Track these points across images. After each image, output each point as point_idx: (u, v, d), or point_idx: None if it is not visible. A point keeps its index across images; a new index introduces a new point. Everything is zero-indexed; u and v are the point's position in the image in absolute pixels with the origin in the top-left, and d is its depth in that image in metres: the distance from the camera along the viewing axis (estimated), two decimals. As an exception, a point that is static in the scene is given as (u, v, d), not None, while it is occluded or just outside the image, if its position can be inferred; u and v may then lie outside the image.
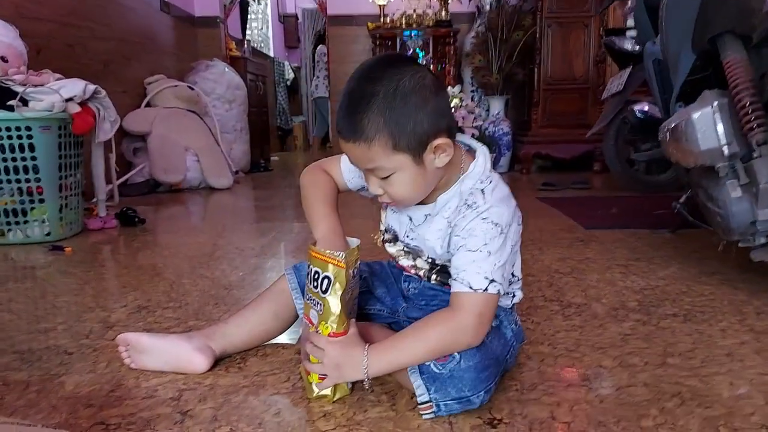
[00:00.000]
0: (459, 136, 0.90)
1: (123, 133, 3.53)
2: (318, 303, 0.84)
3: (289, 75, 8.45)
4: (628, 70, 2.95)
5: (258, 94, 5.55)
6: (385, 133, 0.76)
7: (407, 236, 0.95)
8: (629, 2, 3.91)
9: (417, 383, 0.81)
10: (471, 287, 0.80)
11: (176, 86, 3.92)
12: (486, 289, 0.80)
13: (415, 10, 4.37)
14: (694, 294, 1.36)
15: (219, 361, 1.02)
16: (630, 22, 3.87)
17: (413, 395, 0.87)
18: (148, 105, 3.82)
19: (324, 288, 0.83)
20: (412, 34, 4.44)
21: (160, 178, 3.54)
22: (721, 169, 1.31)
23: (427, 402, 0.80)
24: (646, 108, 2.88)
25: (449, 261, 0.89)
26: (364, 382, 0.83)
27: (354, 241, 0.89)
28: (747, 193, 1.26)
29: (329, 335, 0.83)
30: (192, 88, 4.03)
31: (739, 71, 1.26)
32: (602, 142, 3.67)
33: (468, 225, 0.82)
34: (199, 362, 0.98)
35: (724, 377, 0.93)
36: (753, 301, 1.30)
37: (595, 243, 1.94)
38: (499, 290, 0.81)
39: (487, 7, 4.30)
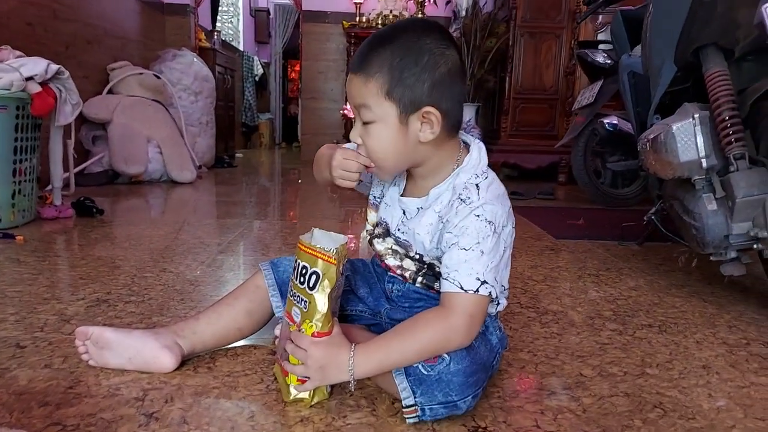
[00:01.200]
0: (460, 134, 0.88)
1: (82, 120, 3.37)
2: (303, 300, 0.79)
3: (258, 71, 8.30)
4: (599, 83, 3.00)
5: (225, 87, 5.43)
6: (385, 74, 0.77)
7: (398, 229, 0.92)
8: (600, 17, 4.02)
9: (402, 385, 0.77)
10: (462, 288, 0.78)
11: (141, 74, 3.78)
12: (477, 291, 0.78)
13: (391, 11, 4.35)
14: (666, 305, 1.38)
15: (186, 361, 0.96)
16: (601, 36, 3.98)
17: (394, 400, 0.84)
18: (110, 92, 3.67)
19: (312, 284, 0.78)
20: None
21: (120, 168, 3.40)
22: (698, 182, 1.32)
23: (412, 405, 0.77)
24: (615, 121, 2.94)
25: (437, 259, 0.87)
26: (349, 385, 0.79)
27: (342, 238, 0.84)
28: (722, 207, 1.28)
29: (313, 335, 0.78)
30: (158, 77, 3.89)
31: (721, 85, 1.28)
32: (569, 154, 3.74)
33: (461, 222, 0.80)
34: (166, 360, 0.92)
35: (702, 389, 0.93)
36: (723, 314, 1.32)
37: (565, 252, 1.95)
38: (490, 292, 0.79)
39: (463, 13, 4.33)
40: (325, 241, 0.84)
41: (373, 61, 0.77)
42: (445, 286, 0.80)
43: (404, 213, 0.91)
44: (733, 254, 1.33)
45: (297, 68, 9.51)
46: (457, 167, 0.85)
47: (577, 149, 3.12)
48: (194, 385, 0.88)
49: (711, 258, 1.37)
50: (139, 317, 1.18)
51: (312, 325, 0.78)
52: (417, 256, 0.90)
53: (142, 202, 2.95)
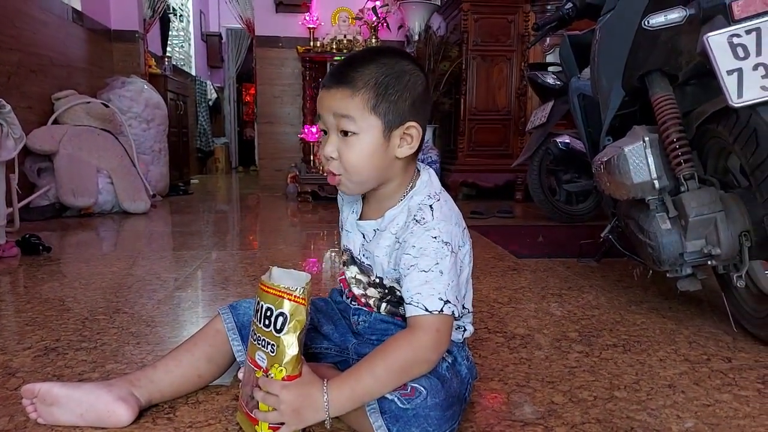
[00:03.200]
0: None
1: (26, 152, 3.23)
2: (269, 343, 0.75)
3: (212, 95, 8.20)
4: (550, 104, 3.08)
5: (178, 113, 5.32)
6: (372, 90, 0.80)
7: (361, 254, 0.92)
8: (547, 40, 4.15)
9: (377, 424, 0.75)
10: (427, 309, 0.79)
11: (89, 103, 3.66)
12: (441, 311, 0.78)
13: (345, 35, 4.37)
14: (628, 323, 1.40)
15: (144, 412, 0.91)
16: (549, 58, 4.11)
17: (366, 443, 0.81)
18: (55, 122, 3.53)
19: (279, 326, 0.74)
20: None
21: (69, 201, 3.26)
22: (651, 201, 1.36)
23: None
24: (567, 140, 3.02)
25: (396, 281, 0.87)
26: (325, 422, 0.76)
27: (304, 276, 0.82)
28: (675, 226, 1.32)
29: (283, 379, 0.74)
30: (107, 106, 3.78)
31: (667, 108, 1.33)
32: (525, 172, 3.82)
33: (418, 243, 0.81)
34: (122, 413, 0.87)
35: (670, 410, 0.94)
36: (682, 330, 1.35)
37: (527, 271, 1.97)
38: (453, 311, 0.80)
39: (416, 37, 4.39)
40: (286, 279, 0.81)
41: (358, 76, 0.80)
42: (410, 311, 0.80)
43: (364, 237, 0.92)
44: (688, 270, 1.36)
45: (252, 91, 9.45)
46: (410, 190, 0.88)
47: (533, 168, 3.19)
48: (154, 439, 0.83)
49: (667, 275, 1.41)
50: (91, 366, 1.11)
51: (281, 369, 0.74)
52: (377, 280, 0.90)
53: (92, 236, 2.83)
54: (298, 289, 0.74)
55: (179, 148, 5.24)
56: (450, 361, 0.87)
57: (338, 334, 0.98)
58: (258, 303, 0.78)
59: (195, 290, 1.74)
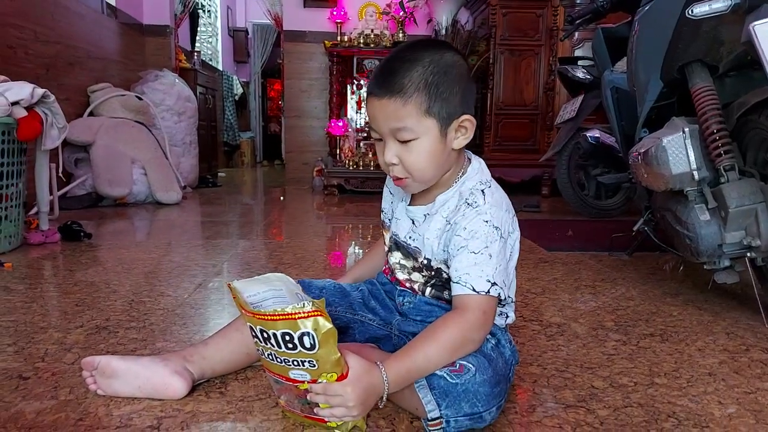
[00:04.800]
0: None
1: (63, 143, 3.31)
2: (305, 361, 0.72)
3: (238, 90, 8.29)
4: (580, 98, 3.07)
5: (207, 107, 5.41)
6: (423, 93, 0.80)
7: (409, 237, 0.94)
8: (576, 34, 4.11)
9: (427, 398, 0.78)
10: (474, 289, 0.81)
11: (124, 96, 3.75)
12: (488, 292, 0.81)
13: (372, 30, 4.39)
14: (664, 314, 1.40)
15: (197, 386, 0.95)
16: (578, 52, 4.08)
17: (413, 419, 0.84)
18: (91, 114, 3.63)
19: (309, 346, 0.70)
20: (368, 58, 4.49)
21: (105, 191, 3.35)
22: (690, 193, 1.36)
23: (437, 419, 0.77)
24: (597, 134, 3.00)
25: (444, 263, 0.89)
26: (380, 402, 0.78)
27: (273, 277, 0.79)
28: (715, 217, 1.32)
29: (337, 380, 0.73)
30: (140, 98, 3.86)
31: (708, 99, 1.32)
32: (552, 167, 3.80)
33: (470, 225, 0.83)
34: (178, 387, 0.91)
35: (711, 397, 0.95)
36: (719, 321, 1.35)
37: (559, 264, 1.98)
38: (499, 293, 0.82)
39: (443, 32, 4.39)
40: (259, 288, 0.77)
41: (405, 83, 0.80)
42: (457, 290, 0.83)
43: (413, 222, 0.95)
44: (726, 263, 1.36)
45: (276, 87, 9.53)
46: (462, 176, 0.90)
47: (561, 162, 3.17)
48: (209, 411, 0.87)
49: (705, 267, 1.41)
50: (142, 343, 1.16)
51: (331, 375, 0.73)
52: (425, 262, 0.92)
53: (128, 225, 2.91)
54: (305, 305, 0.69)
55: (208, 142, 5.33)
56: (494, 342, 0.89)
57: (384, 311, 1.01)
58: (261, 331, 0.73)
59: (233, 276, 1.78)
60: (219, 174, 5.88)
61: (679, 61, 1.39)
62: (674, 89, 1.53)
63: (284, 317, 0.69)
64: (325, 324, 0.70)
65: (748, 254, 1.30)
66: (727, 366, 1.08)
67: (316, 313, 0.69)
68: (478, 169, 0.91)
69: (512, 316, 0.98)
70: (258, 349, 0.77)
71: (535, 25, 4.15)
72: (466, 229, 0.83)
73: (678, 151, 1.33)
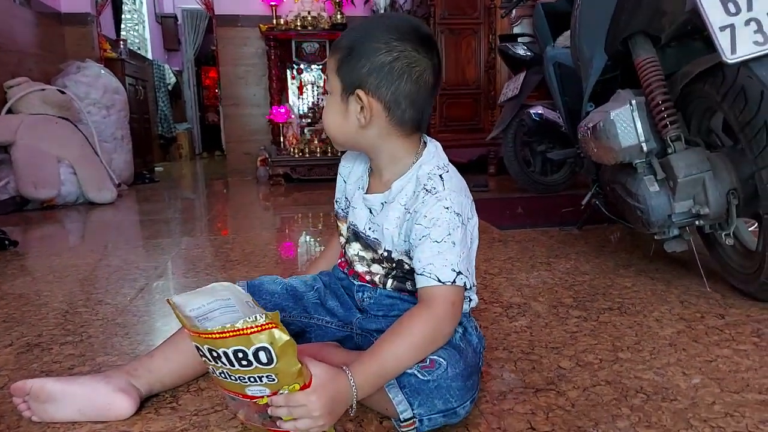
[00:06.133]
0: None
1: (-20, 143, 3.06)
2: (264, 377, 0.66)
3: (171, 79, 7.92)
4: (522, 75, 3.09)
5: (138, 99, 5.13)
6: (341, 52, 0.82)
7: (368, 227, 0.89)
8: (514, 11, 4.14)
9: (398, 399, 0.73)
10: (440, 280, 0.78)
11: (44, 90, 3.48)
12: (454, 281, 0.78)
13: (309, 12, 4.26)
14: (619, 287, 1.42)
15: (145, 403, 0.87)
16: (516, 29, 4.10)
17: (382, 418, 0.80)
18: (9, 111, 3.35)
19: (265, 361, 0.64)
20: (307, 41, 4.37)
21: (30, 193, 3.11)
22: (639, 165, 1.37)
23: (409, 419, 0.73)
24: (541, 111, 3.03)
25: (406, 254, 0.85)
26: (350, 410, 0.72)
27: (219, 287, 0.72)
28: (663, 188, 1.33)
29: (301, 388, 0.67)
30: (63, 92, 3.60)
31: (652, 71, 1.33)
32: (497, 146, 3.83)
33: (430, 213, 0.80)
34: (123, 405, 0.83)
35: (675, 368, 0.95)
36: (672, 290, 1.37)
37: (512, 243, 1.98)
38: (465, 282, 0.79)
39: (381, 11, 4.32)
40: (202, 300, 0.70)
41: (340, 39, 0.84)
42: (422, 281, 0.79)
43: (370, 211, 0.90)
44: (675, 232, 1.38)
45: (211, 74, 9.19)
46: (417, 160, 0.86)
47: (507, 140, 3.19)
48: (160, 430, 0.80)
49: (655, 237, 1.43)
50: (80, 359, 1.06)
51: (294, 385, 0.66)
52: (385, 254, 0.88)
53: (58, 229, 2.72)
54: (257, 318, 0.62)
55: (142, 135, 5.06)
56: (461, 331, 0.86)
57: (343, 309, 0.96)
58: (210, 350, 0.65)
59: (178, 277, 1.68)
60: (156, 168, 5.61)
61: (622, 33, 1.39)
62: (617, 62, 1.54)
63: (235, 333, 0.62)
64: (282, 336, 0.63)
65: (697, 222, 1.32)
66: (685, 335, 1.09)
67: (270, 325, 0.62)
68: (434, 153, 0.87)
69: (475, 299, 0.95)
70: (208, 368, 0.70)
71: (473, 3, 4.14)
72: (426, 217, 0.79)
73: (626, 123, 1.33)
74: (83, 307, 1.38)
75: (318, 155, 4.22)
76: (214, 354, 0.65)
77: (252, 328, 0.62)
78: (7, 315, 1.34)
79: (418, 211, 0.81)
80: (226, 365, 0.65)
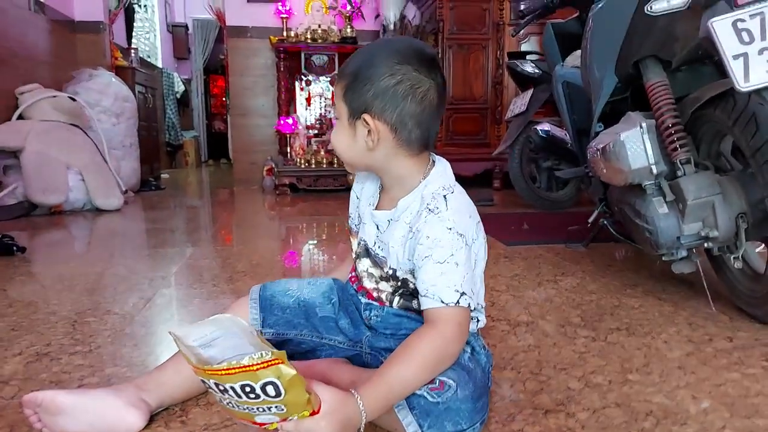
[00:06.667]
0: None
1: (-10, 149, 3.09)
2: (272, 407, 0.66)
3: (179, 87, 7.99)
4: (529, 92, 3.10)
5: (147, 107, 5.17)
6: (346, 78, 0.84)
7: (376, 245, 0.91)
8: (522, 30, 4.16)
9: (407, 420, 0.74)
10: (443, 302, 0.78)
11: (55, 97, 3.52)
12: (458, 302, 0.78)
13: (320, 25, 4.30)
14: (627, 307, 1.42)
15: (155, 416, 0.87)
16: (524, 47, 4.13)
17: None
18: (20, 117, 3.39)
19: (274, 394, 0.64)
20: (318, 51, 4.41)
21: (38, 199, 3.13)
22: (648, 187, 1.37)
23: None
24: (548, 128, 3.04)
25: (411, 273, 0.86)
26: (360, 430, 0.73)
27: (223, 319, 0.69)
28: (672, 210, 1.34)
29: (311, 415, 0.67)
30: (74, 99, 3.64)
31: (662, 94, 1.34)
32: (503, 161, 3.84)
33: (432, 233, 0.80)
34: (133, 419, 0.83)
35: (685, 391, 0.95)
36: (680, 311, 1.37)
37: (519, 259, 1.98)
38: (469, 304, 0.80)
39: (391, 26, 4.36)
40: (206, 330, 0.68)
41: (345, 66, 0.86)
42: (426, 303, 0.80)
43: (378, 228, 0.91)
44: (683, 253, 1.38)
45: (219, 83, 9.26)
46: (424, 179, 0.87)
47: (514, 156, 3.20)
48: (170, 444, 0.80)
49: (663, 258, 1.43)
50: (89, 370, 1.06)
51: (304, 412, 0.66)
52: (391, 272, 0.88)
53: (66, 235, 2.73)
54: (262, 355, 0.62)
55: (149, 143, 5.10)
56: (470, 351, 0.87)
57: (353, 327, 0.96)
58: (216, 384, 0.65)
59: (185, 288, 1.69)
60: (162, 175, 5.64)
61: (634, 56, 1.40)
62: (628, 84, 1.55)
63: (241, 370, 0.62)
64: (289, 371, 0.63)
65: (705, 244, 1.32)
66: (694, 358, 1.09)
67: (276, 361, 0.62)
68: (441, 173, 0.88)
69: (483, 319, 0.95)
70: (216, 398, 0.69)
71: (482, 19, 4.17)
72: (429, 238, 0.80)
73: (636, 146, 1.34)
74: (91, 316, 1.39)
75: (324, 166, 4.24)
76: (221, 388, 0.65)
77: (259, 364, 0.62)
78: (16, 323, 1.34)
79: (420, 230, 0.81)
80: (233, 397, 0.65)
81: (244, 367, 0.61)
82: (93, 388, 0.89)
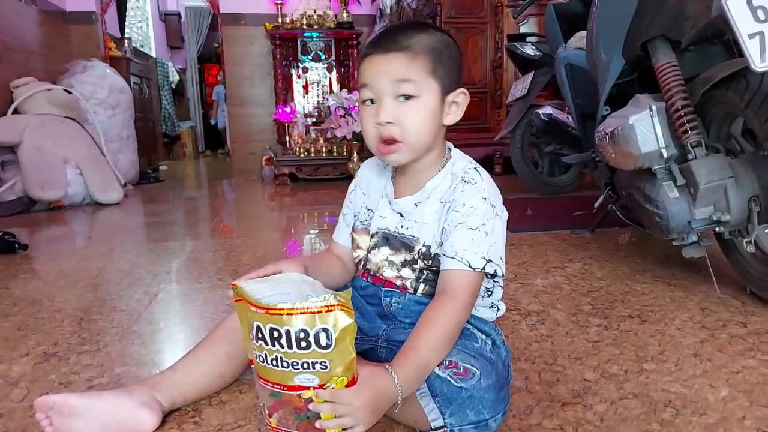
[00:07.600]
0: None
1: (-14, 144, 3.06)
2: (317, 362, 0.65)
3: (174, 77, 7.92)
4: (530, 75, 3.07)
5: (143, 98, 5.13)
6: (430, 55, 0.81)
7: (401, 226, 0.90)
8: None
9: (429, 407, 0.73)
10: (470, 266, 0.80)
11: (50, 90, 3.48)
12: (483, 269, 0.80)
13: (315, 11, 4.24)
14: (637, 293, 1.40)
15: (167, 417, 0.86)
16: (523, 29, 4.08)
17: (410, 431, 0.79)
18: (15, 111, 3.35)
19: (324, 344, 0.64)
20: (313, 36, 4.34)
21: (37, 194, 3.11)
22: (658, 171, 1.35)
23: (440, 428, 0.73)
24: (550, 111, 3.01)
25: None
26: (396, 407, 0.72)
27: (288, 277, 0.74)
28: (683, 194, 1.32)
29: (347, 385, 0.66)
30: (69, 92, 3.60)
31: (672, 76, 1.31)
32: (504, 145, 3.82)
33: (469, 201, 0.83)
34: (147, 420, 0.82)
35: (702, 380, 0.94)
36: (691, 297, 1.36)
37: (525, 246, 1.97)
38: (495, 270, 0.82)
39: (388, 11, 4.30)
40: (266, 288, 0.71)
41: (413, 41, 0.81)
42: (450, 265, 0.81)
43: (401, 215, 0.90)
44: (694, 238, 1.37)
45: (214, 72, 9.19)
46: (448, 159, 0.90)
47: (515, 141, 3.17)
48: (185, 446, 0.79)
49: (673, 242, 1.41)
50: (98, 370, 1.05)
51: (342, 379, 0.66)
52: (423, 249, 0.88)
53: (67, 231, 2.71)
54: (325, 298, 0.64)
55: (146, 134, 5.07)
56: (491, 343, 0.86)
57: (366, 321, 0.94)
58: (272, 329, 0.66)
59: (191, 282, 1.67)
60: (160, 167, 5.61)
61: (642, 37, 1.38)
62: (635, 66, 1.52)
63: (303, 312, 0.64)
64: (346, 319, 0.64)
65: (717, 228, 1.31)
66: (709, 344, 1.08)
67: (338, 306, 0.64)
68: (460, 153, 0.92)
69: (502, 308, 0.97)
70: (257, 354, 0.69)
71: (479, 2, 4.12)
72: (465, 205, 0.82)
73: (646, 129, 1.32)
74: (97, 314, 1.37)
75: (324, 155, 4.21)
76: (276, 334, 0.65)
77: (324, 307, 0.63)
78: (22, 322, 1.33)
79: (456, 199, 0.83)
80: (283, 348, 0.65)
81: (306, 309, 0.63)
82: (104, 390, 0.87)
